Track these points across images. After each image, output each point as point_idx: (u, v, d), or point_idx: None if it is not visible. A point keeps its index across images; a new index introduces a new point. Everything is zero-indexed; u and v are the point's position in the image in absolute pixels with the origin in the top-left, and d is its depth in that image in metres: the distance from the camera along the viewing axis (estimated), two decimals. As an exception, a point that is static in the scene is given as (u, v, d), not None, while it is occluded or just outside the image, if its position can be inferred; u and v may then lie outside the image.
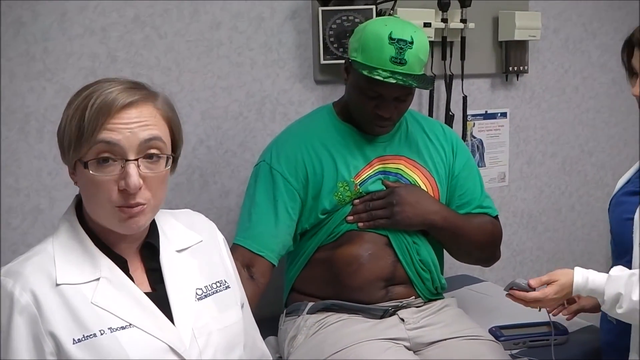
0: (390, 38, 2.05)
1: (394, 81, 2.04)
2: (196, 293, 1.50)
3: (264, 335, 2.32)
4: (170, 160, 1.43)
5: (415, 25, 2.15)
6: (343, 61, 2.55)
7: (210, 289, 1.53)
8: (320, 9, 2.57)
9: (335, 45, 2.59)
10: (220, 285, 1.56)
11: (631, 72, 1.99)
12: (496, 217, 2.38)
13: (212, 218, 2.50)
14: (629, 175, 2.14)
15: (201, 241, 1.59)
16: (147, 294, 1.43)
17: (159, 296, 1.45)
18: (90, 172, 1.35)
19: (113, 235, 1.43)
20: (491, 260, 2.42)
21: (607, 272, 2.07)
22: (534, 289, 1.92)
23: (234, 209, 2.60)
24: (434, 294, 2.29)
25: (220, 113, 2.56)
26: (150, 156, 1.38)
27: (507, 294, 1.98)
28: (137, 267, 1.47)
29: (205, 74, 2.51)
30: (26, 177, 2.27)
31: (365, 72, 2.05)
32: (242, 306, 1.63)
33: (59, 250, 1.41)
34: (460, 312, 2.30)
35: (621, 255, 1.99)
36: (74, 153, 1.36)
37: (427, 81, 2.13)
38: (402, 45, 2.04)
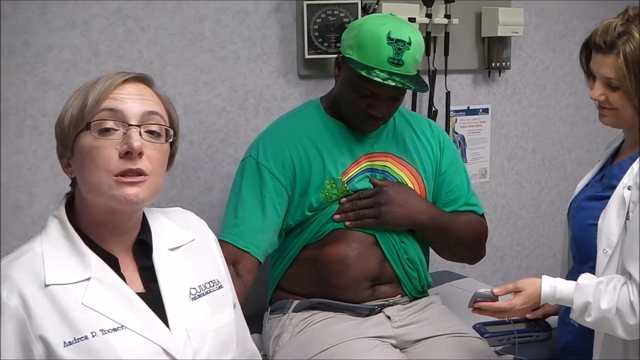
0: (389, 38, 2.02)
1: (393, 84, 2.01)
2: (190, 293, 1.47)
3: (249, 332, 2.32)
4: (171, 134, 1.43)
5: (411, 24, 2.13)
6: (327, 56, 2.55)
7: (203, 288, 1.51)
8: (305, 3, 2.55)
9: (320, 40, 2.57)
10: (214, 285, 1.54)
11: (589, 75, 2.00)
12: (482, 215, 2.37)
13: (195, 213, 2.50)
14: (588, 177, 2.15)
15: (193, 240, 1.56)
16: (140, 294, 1.40)
17: (153, 296, 1.42)
18: (93, 134, 1.34)
19: (106, 232, 1.40)
20: (477, 258, 2.43)
21: (561, 275, 2.11)
22: (497, 298, 1.91)
23: (217, 205, 2.57)
24: (420, 292, 2.29)
25: (203, 108, 2.53)
26: (151, 132, 1.39)
27: (473, 309, 1.94)
28: (129, 265, 1.44)
29: (188, 67, 2.48)
30: (5, 172, 2.22)
31: (363, 73, 2.02)
32: (234, 306, 1.61)
33: (48, 249, 1.37)
34: (445, 309, 2.29)
35: (584, 260, 2.00)
36: (74, 128, 1.36)
37: (423, 83, 2.12)
38: (400, 45, 2.02)
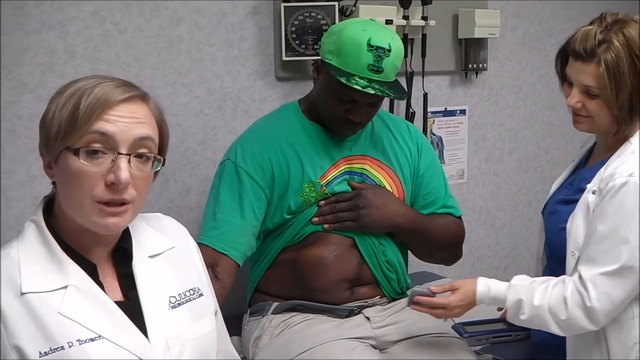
0: (369, 45, 2.01)
1: (372, 92, 2.01)
2: (170, 301, 1.45)
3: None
4: (159, 163, 1.40)
5: (391, 30, 2.12)
6: (305, 58, 2.55)
7: (183, 296, 1.48)
8: (282, 5, 2.55)
9: (297, 42, 2.57)
10: (194, 293, 1.51)
11: (563, 80, 2.01)
12: (459, 218, 2.38)
13: (173, 216, 2.45)
14: (562, 179, 2.17)
15: (174, 247, 1.53)
16: (119, 302, 1.38)
17: (132, 305, 1.39)
18: (80, 160, 1.30)
19: (85, 239, 1.37)
20: (453, 260, 2.44)
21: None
22: (434, 295, 1.97)
23: (195, 208, 2.57)
24: (399, 294, 2.29)
25: (180, 110, 2.52)
26: (140, 155, 1.35)
27: (412, 307, 2.00)
28: (108, 273, 1.42)
29: (166, 70, 2.47)
30: (-19, 176, 2.20)
31: (343, 80, 2.01)
32: (215, 313, 1.59)
33: (25, 256, 1.34)
34: (424, 310, 2.30)
35: (557, 262, 2.02)
36: (61, 141, 1.31)
37: (401, 90, 2.12)
38: (380, 53, 2.02)
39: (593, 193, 1.88)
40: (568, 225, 1.94)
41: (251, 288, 2.29)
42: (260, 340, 2.13)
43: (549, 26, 3.52)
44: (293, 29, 2.56)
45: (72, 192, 1.33)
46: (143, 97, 1.39)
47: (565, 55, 1.98)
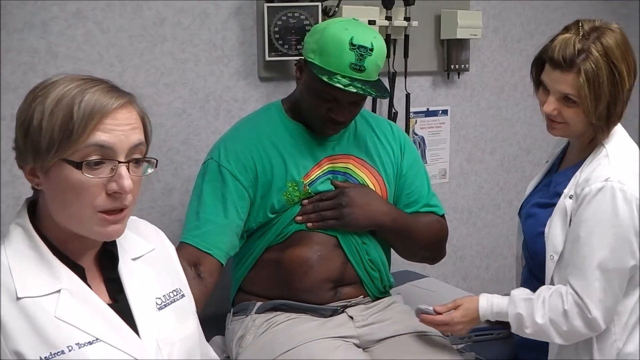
0: (351, 44, 2.02)
1: (354, 90, 2.02)
2: (156, 303, 1.45)
3: (211, 334, 2.32)
4: (149, 165, 1.41)
5: (373, 29, 2.13)
6: (288, 58, 2.56)
7: (168, 298, 1.49)
8: (265, 5, 2.55)
9: (280, 42, 2.57)
10: (177, 294, 1.52)
11: (538, 86, 2.03)
12: (442, 216, 2.39)
13: (156, 216, 2.51)
14: (536, 180, 2.20)
15: (153, 249, 1.54)
16: (109, 305, 1.38)
17: (121, 307, 1.39)
18: (84, 173, 1.28)
19: (74, 244, 1.37)
20: (437, 259, 2.45)
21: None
22: (440, 314, 2.03)
23: (178, 207, 2.56)
24: (382, 292, 2.30)
25: (163, 110, 2.52)
26: (136, 160, 1.35)
27: (420, 320, 2.08)
28: (95, 277, 1.41)
29: (149, 70, 2.47)
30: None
31: (325, 78, 2.02)
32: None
33: (14, 260, 1.32)
34: (407, 309, 2.31)
35: (537, 265, 2.07)
36: (55, 154, 1.28)
37: (383, 89, 2.13)
38: (362, 52, 2.03)
39: (570, 198, 1.92)
40: (546, 230, 1.98)
41: (235, 288, 2.29)
42: (244, 340, 2.13)
43: (531, 28, 3.54)
44: (276, 29, 2.56)
45: (70, 203, 1.31)
46: (131, 100, 1.38)
47: (541, 62, 2.00)
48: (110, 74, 2.36)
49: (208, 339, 2.27)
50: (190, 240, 2.09)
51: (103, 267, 1.43)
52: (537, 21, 3.56)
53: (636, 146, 2.01)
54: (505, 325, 2.40)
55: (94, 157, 1.29)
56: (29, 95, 1.35)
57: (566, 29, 1.95)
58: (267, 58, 2.59)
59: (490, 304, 1.99)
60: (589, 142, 1.99)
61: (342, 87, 2.01)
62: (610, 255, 1.85)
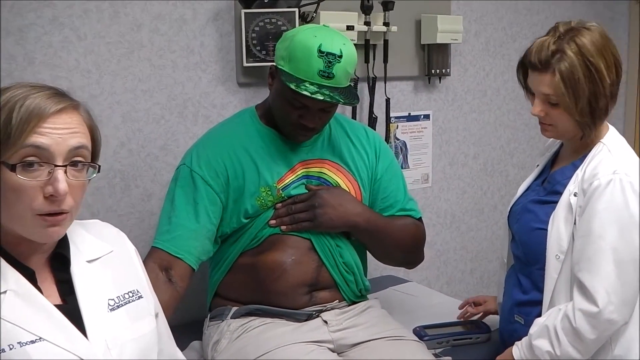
0: (320, 51, 2.03)
1: (321, 97, 2.02)
2: (108, 304, 1.47)
3: (190, 339, 2.32)
4: (94, 170, 1.42)
5: (344, 36, 2.13)
6: (266, 64, 2.56)
7: (122, 299, 1.50)
8: (243, 11, 2.56)
9: (258, 48, 2.58)
10: (133, 295, 1.53)
11: (527, 90, 2.07)
12: (419, 219, 2.39)
13: (134, 222, 2.52)
14: (528, 181, 2.20)
15: (112, 251, 1.56)
16: (57, 306, 1.39)
17: (70, 308, 1.41)
18: (18, 175, 1.31)
19: (23, 247, 1.38)
20: (414, 262, 2.45)
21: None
22: None
23: (157, 213, 2.54)
24: (358, 296, 2.30)
25: (141, 116, 2.52)
26: (75, 164, 1.37)
27: None
28: (46, 278, 1.43)
29: (126, 76, 2.47)
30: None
31: (292, 86, 2.02)
32: (157, 316, 1.61)
33: None
34: (383, 313, 2.31)
35: (531, 262, 2.07)
36: None
37: (353, 96, 2.13)
38: (330, 59, 2.03)
39: (575, 195, 1.93)
40: (549, 227, 1.98)
41: (211, 293, 2.29)
42: (219, 345, 2.13)
43: (513, 31, 3.56)
44: (254, 35, 2.57)
45: (11, 206, 1.34)
46: (75, 106, 1.40)
47: (525, 67, 2.03)
48: (87, 81, 2.38)
49: (186, 344, 2.31)
50: (161, 245, 2.10)
51: (55, 270, 1.45)
52: (520, 25, 3.57)
53: (627, 144, 2.04)
54: (483, 329, 2.43)
55: (29, 159, 1.31)
56: None
57: (547, 33, 1.98)
58: (245, 64, 2.60)
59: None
60: (583, 142, 2.01)
61: (309, 94, 2.02)
62: (624, 246, 1.86)
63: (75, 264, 1.46)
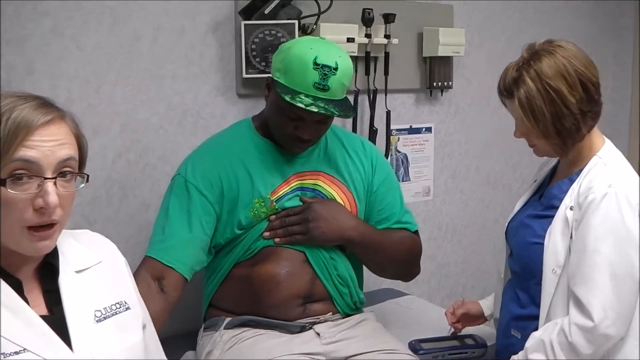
0: (315, 63, 2.03)
1: (316, 110, 2.02)
2: (95, 315, 1.46)
3: (184, 350, 2.32)
4: (83, 180, 1.42)
5: (340, 48, 2.14)
6: (265, 75, 2.56)
7: (110, 310, 1.49)
8: (243, 22, 2.56)
9: (258, 59, 2.58)
10: (121, 307, 1.52)
11: None
12: (416, 232, 2.39)
13: (133, 232, 2.52)
14: (526, 197, 2.20)
15: (101, 262, 1.55)
16: (43, 317, 1.38)
17: (56, 319, 1.40)
18: (8, 189, 1.31)
19: (11, 259, 1.38)
20: (410, 276, 2.44)
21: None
22: None
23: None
24: (353, 309, 2.29)
25: (140, 126, 2.52)
26: (64, 174, 1.37)
27: None
28: (34, 288, 1.42)
29: (125, 86, 2.47)
30: None
31: (287, 98, 2.03)
32: (144, 327, 1.60)
33: None
34: (378, 326, 2.30)
35: (528, 277, 2.06)
36: None
37: (348, 108, 2.13)
38: (326, 71, 2.03)
39: (571, 209, 1.94)
40: (545, 242, 1.98)
41: (205, 303, 2.29)
42: (211, 355, 2.13)
43: (515, 43, 3.53)
44: (254, 46, 2.58)
45: (1, 219, 1.33)
46: (61, 116, 1.40)
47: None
48: (86, 91, 2.39)
49: (181, 354, 2.30)
50: (154, 254, 2.10)
51: (42, 280, 1.44)
52: (522, 36, 3.54)
53: (623, 157, 2.05)
54: (479, 344, 2.42)
55: (18, 172, 1.31)
56: None
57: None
58: (245, 75, 2.60)
59: None
60: (578, 157, 2.02)
61: (303, 106, 2.02)
62: (619, 260, 1.86)
63: (64, 274, 1.46)
